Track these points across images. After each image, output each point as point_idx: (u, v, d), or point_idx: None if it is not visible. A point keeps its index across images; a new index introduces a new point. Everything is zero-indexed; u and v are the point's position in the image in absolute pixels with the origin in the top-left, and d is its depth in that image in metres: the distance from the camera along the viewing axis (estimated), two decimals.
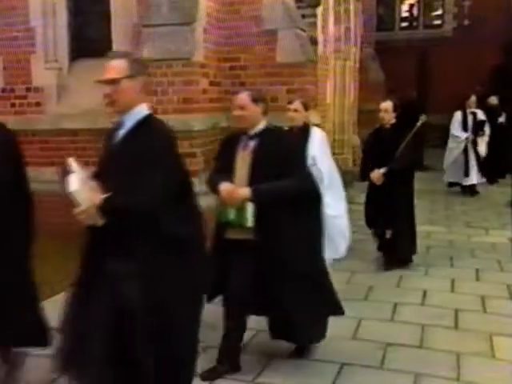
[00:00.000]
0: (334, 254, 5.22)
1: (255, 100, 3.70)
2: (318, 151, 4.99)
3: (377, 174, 5.86)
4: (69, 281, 4.74)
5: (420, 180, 12.20)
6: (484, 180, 10.72)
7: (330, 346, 4.21)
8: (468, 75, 15.23)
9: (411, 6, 18.70)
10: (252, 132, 3.73)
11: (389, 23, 18.28)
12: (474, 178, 10.49)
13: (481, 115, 10.55)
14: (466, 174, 10.43)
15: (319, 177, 4.59)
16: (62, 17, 7.29)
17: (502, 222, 8.26)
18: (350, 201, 9.60)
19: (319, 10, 8.16)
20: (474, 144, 10.44)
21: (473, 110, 10.47)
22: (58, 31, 7.30)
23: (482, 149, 10.57)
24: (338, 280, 5.65)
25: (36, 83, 7.35)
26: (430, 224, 8.24)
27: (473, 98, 10.52)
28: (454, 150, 10.62)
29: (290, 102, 5.16)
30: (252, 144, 3.71)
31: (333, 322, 4.65)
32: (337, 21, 10.01)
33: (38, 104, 7.37)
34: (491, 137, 10.68)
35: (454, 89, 15.53)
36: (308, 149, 4.90)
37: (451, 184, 10.80)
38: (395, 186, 5.83)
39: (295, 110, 5.06)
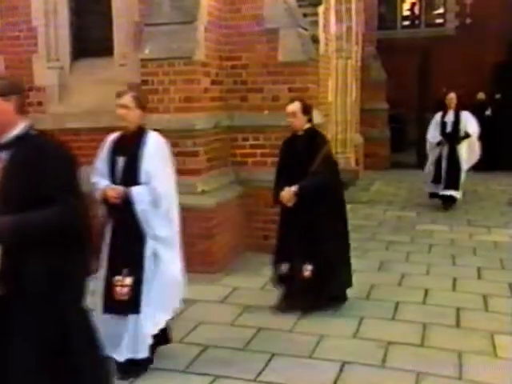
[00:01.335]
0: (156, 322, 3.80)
1: (2, 94, 2.62)
2: (154, 164, 3.72)
3: (287, 194, 4.68)
4: None
5: (422, 178, 12.30)
6: (458, 193, 9.18)
7: (332, 345, 4.22)
8: (470, 74, 15.21)
9: (413, 4, 18.66)
10: (3, 140, 2.60)
11: (390, 22, 18.24)
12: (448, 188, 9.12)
13: (467, 118, 9.12)
14: (437, 180, 9.19)
15: (155, 199, 3.67)
16: (64, 16, 7.27)
17: (504, 221, 8.27)
18: (351, 200, 9.71)
19: (321, 9, 8.17)
20: (451, 151, 9.07)
21: (451, 111, 9.13)
22: (60, 31, 7.29)
23: (463, 153, 9.13)
24: None
25: (38, 83, 7.34)
26: (432, 223, 8.25)
27: (451, 95, 9.23)
28: (429, 155, 9.48)
29: (118, 95, 3.89)
30: (3, 157, 2.57)
31: (335, 321, 4.67)
32: (338, 20, 10.01)
33: (39, 103, 7.36)
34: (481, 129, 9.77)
35: (456, 87, 15.51)
36: (142, 160, 3.72)
37: (431, 195, 9.44)
38: (313, 207, 4.69)
39: (124, 107, 3.80)
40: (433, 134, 9.28)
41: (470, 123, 9.12)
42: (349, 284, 4.99)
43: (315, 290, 4.76)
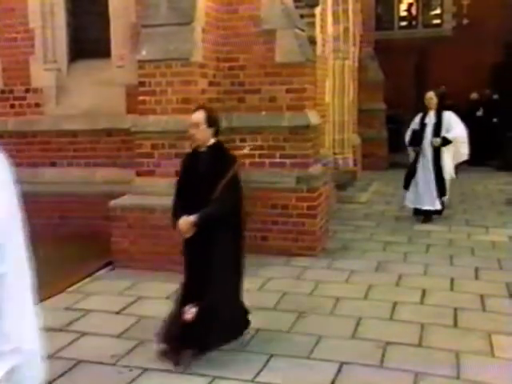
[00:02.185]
0: None
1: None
2: None
3: (184, 224, 3.96)
4: (66, 282, 4.76)
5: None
6: (439, 207, 8.25)
7: (330, 345, 4.22)
8: (468, 74, 15.23)
9: (410, 5, 18.70)
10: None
11: (388, 22, 18.28)
12: (426, 201, 8.17)
13: (451, 119, 8.10)
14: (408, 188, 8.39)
15: None
16: (61, 18, 7.30)
17: (502, 221, 8.27)
18: (350, 200, 9.73)
19: (318, 10, 8.18)
20: (436, 159, 8.10)
21: (433, 112, 8.11)
22: (57, 32, 7.31)
23: (446, 159, 8.16)
24: (337, 279, 5.73)
25: (35, 84, 7.37)
26: (430, 223, 8.24)
27: (429, 95, 8.16)
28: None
29: None
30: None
31: (332, 321, 4.67)
32: (335, 20, 10.01)
33: (37, 105, 7.38)
34: (471, 128, 9.16)
35: (453, 88, 15.54)
36: None
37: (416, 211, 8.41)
38: (214, 239, 3.97)
39: None
40: (406, 139, 8.38)
41: (454, 125, 8.06)
42: (242, 325, 4.28)
43: (197, 336, 3.95)
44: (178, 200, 4.17)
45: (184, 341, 3.95)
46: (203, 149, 4.10)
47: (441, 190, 8.15)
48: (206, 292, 3.94)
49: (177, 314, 4.02)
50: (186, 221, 3.95)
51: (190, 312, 3.93)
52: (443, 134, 8.02)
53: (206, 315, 3.92)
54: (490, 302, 5.06)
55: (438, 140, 7.98)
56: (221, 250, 3.97)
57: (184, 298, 4.06)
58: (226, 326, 4.08)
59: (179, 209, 4.07)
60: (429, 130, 8.07)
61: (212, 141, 4.09)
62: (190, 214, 3.94)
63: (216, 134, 4.11)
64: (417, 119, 8.29)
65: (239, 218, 4.15)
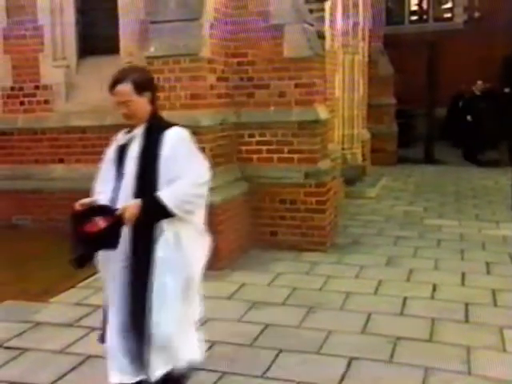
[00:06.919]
0: None
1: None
2: None
3: None
4: (76, 277, 4.76)
5: (430, 173, 12.27)
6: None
7: (339, 340, 4.21)
8: (479, 68, 15.12)
9: None
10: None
11: (398, 17, 18.18)
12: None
13: (177, 153, 2.99)
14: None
15: None
16: (70, 14, 7.32)
17: None
18: (360, 195, 9.70)
19: (327, 5, 8.13)
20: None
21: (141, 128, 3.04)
22: (66, 29, 7.34)
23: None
24: (347, 275, 5.71)
25: (44, 81, 7.40)
26: (440, 217, 8.20)
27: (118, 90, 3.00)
28: None
29: None
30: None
31: (342, 316, 4.66)
32: (345, 15, 9.95)
33: (46, 102, 7.41)
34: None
35: (464, 82, 15.44)
36: None
37: None
38: None
39: None
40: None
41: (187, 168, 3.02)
42: None
43: None
44: None
45: None
46: None
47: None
48: None
49: None
50: None
51: None
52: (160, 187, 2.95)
53: None
54: (502, 297, 5.03)
55: (135, 203, 2.87)
56: None
57: None
58: None
59: None
60: (128, 177, 3.01)
61: None
62: None
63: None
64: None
65: None
